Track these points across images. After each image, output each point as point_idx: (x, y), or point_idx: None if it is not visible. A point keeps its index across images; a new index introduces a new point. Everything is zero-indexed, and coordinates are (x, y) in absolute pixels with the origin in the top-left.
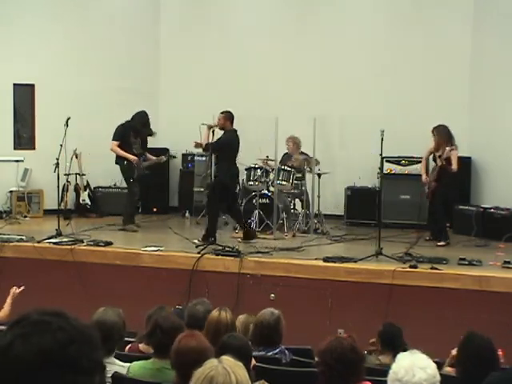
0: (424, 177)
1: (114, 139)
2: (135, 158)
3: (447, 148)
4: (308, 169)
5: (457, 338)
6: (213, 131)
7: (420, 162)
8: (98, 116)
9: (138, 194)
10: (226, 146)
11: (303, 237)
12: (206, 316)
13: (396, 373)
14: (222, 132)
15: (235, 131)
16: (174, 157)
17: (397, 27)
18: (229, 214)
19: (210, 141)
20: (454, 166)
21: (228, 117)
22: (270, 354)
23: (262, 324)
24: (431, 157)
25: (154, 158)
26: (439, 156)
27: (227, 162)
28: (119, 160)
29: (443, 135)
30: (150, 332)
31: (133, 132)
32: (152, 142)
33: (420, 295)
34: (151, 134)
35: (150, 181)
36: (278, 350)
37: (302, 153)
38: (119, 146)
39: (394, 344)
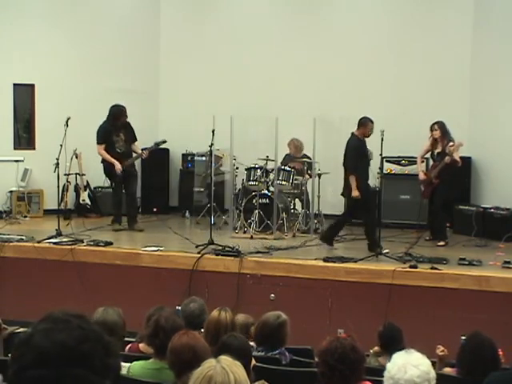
0: (421, 174)
1: (98, 142)
2: (119, 166)
3: (451, 144)
4: (307, 176)
5: (456, 337)
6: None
7: None
8: (98, 116)
9: (119, 195)
10: None
11: (303, 237)
12: (201, 312)
13: (389, 371)
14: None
15: None
16: (164, 141)
17: (396, 27)
18: None
19: None
20: (458, 159)
21: None
22: (269, 354)
23: (263, 324)
24: (428, 154)
25: (139, 151)
26: (438, 153)
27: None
28: (103, 161)
29: (443, 131)
30: (151, 334)
31: (113, 130)
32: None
33: (420, 295)
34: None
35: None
36: (277, 352)
37: (305, 155)
38: (104, 148)
39: (393, 346)
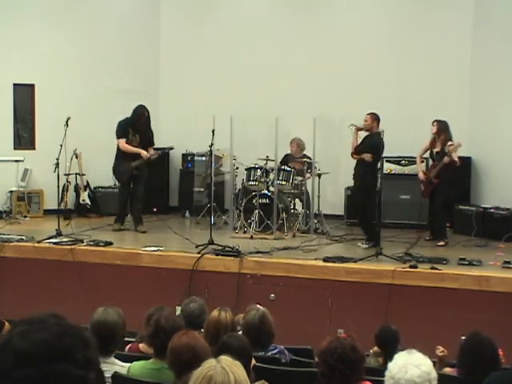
0: (421, 174)
1: (119, 137)
2: (145, 153)
3: (450, 142)
4: (308, 175)
5: (456, 337)
6: None
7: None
8: (98, 116)
9: (124, 195)
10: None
11: (303, 237)
12: (201, 312)
13: (390, 370)
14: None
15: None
16: (171, 148)
17: (396, 27)
18: None
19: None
20: (457, 159)
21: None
22: (269, 353)
23: (247, 326)
24: (427, 154)
25: (151, 153)
26: (437, 152)
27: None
28: (116, 160)
29: (444, 129)
30: (152, 334)
31: (131, 129)
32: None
33: (420, 295)
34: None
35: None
36: (276, 351)
37: (305, 155)
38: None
39: (390, 348)
